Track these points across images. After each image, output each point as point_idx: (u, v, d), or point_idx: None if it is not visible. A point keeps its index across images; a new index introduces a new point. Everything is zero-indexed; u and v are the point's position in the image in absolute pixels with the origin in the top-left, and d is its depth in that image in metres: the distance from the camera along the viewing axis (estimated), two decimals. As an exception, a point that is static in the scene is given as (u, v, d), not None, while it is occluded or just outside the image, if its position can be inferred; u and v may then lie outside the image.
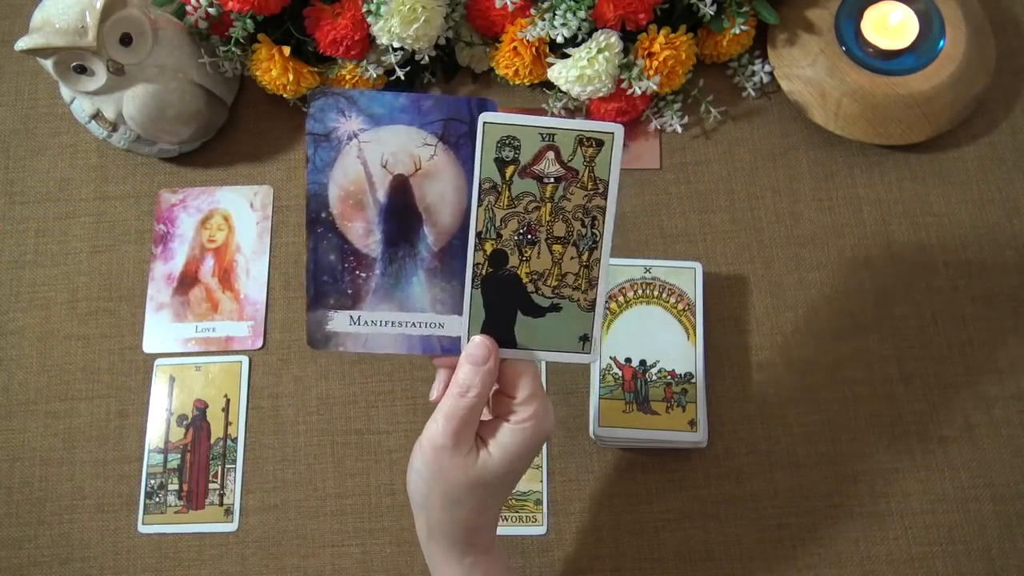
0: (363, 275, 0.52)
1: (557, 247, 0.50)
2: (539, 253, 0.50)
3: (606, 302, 0.50)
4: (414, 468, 0.51)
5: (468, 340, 0.51)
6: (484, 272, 0.50)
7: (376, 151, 0.50)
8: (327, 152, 0.51)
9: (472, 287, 0.50)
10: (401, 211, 0.51)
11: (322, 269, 0.52)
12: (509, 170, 0.49)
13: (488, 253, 0.50)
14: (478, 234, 0.50)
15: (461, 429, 0.49)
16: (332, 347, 0.52)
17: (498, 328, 0.51)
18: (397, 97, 0.50)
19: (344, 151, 0.50)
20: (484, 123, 0.48)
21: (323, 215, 0.51)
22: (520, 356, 0.50)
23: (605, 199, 0.49)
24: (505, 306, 0.50)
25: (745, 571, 0.65)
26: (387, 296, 0.52)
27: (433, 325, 0.52)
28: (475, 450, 0.49)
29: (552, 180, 0.49)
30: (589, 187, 0.49)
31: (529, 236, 0.50)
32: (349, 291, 0.52)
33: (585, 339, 0.50)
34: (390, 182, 0.51)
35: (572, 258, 0.50)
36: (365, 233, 0.51)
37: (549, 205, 0.49)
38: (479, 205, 0.49)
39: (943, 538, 0.66)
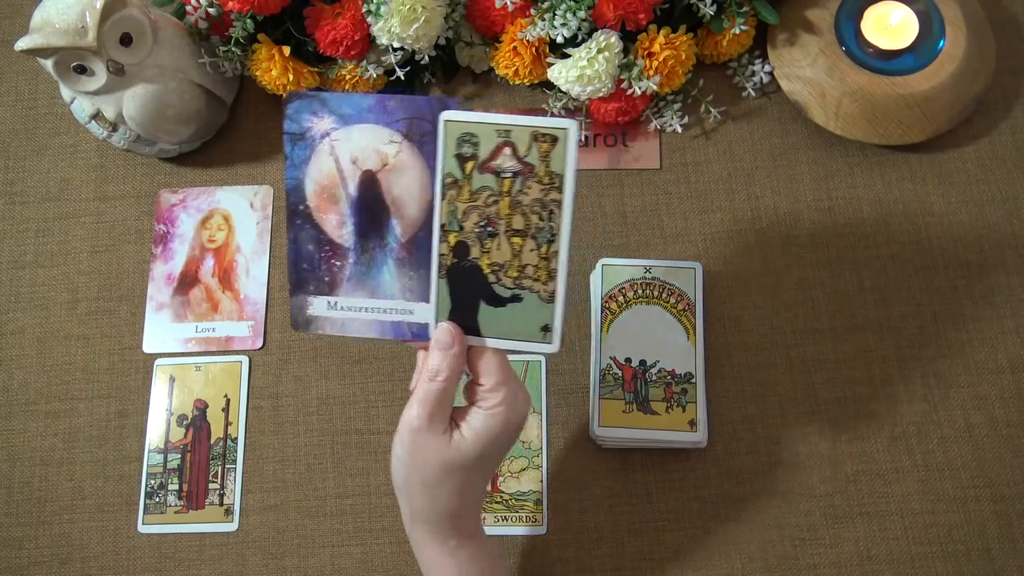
0: (338, 263, 0.55)
1: (516, 239, 0.51)
2: (499, 245, 0.52)
3: (566, 293, 0.52)
4: (395, 454, 0.53)
5: (436, 327, 0.53)
6: (449, 263, 0.52)
7: (347, 148, 0.53)
8: (302, 150, 0.54)
9: (438, 277, 0.53)
10: (370, 204, 0.54)
11: (301, 257, 0.55)
12: (469, 165, 0.51)
13: (452, 244, 0.52)
14: (441, 226, 0.52)
15: (435, 411, 0.51)
16: (313, 330, 0.56)
17: (463, 316, 0.53)
18: (364, 98, 0.52)
19: (318, 149, 0.53)
20: (444, 121, 0.50)
21: (301, 208, 0.54)
22: (485, 343, 0.53)
23: (561, 193, 0.50)
24: (469, 295, 0.53)
25: (745, 571, 0.65)
26: (360, 283, 0.55)
27: (403, 312, 0.54)
28: (449, 432, 0.52)
29: (509, 175, 0.50)
30: (545, 181, 0.50)
31: (489, 228, 0.51)
32: (326, 278, 0.55)
33: (547, 329, 0.52)
34: (360, 177, 0.53)
35: (531, 250, 0.51)
36: (339, 224, 0.54)
37: (507, 199, 0.51)
38: (442, 199, 0.52)
39: (943, 538, 0.66)
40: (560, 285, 0.51)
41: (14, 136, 0.79)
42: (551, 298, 0.51)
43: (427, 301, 0.54)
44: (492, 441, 0.52)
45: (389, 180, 0.53)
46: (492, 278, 0.52)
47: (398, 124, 0.52)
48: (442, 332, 0.52)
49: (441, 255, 0.52)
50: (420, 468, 0.52)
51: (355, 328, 0.56)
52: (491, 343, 0.53)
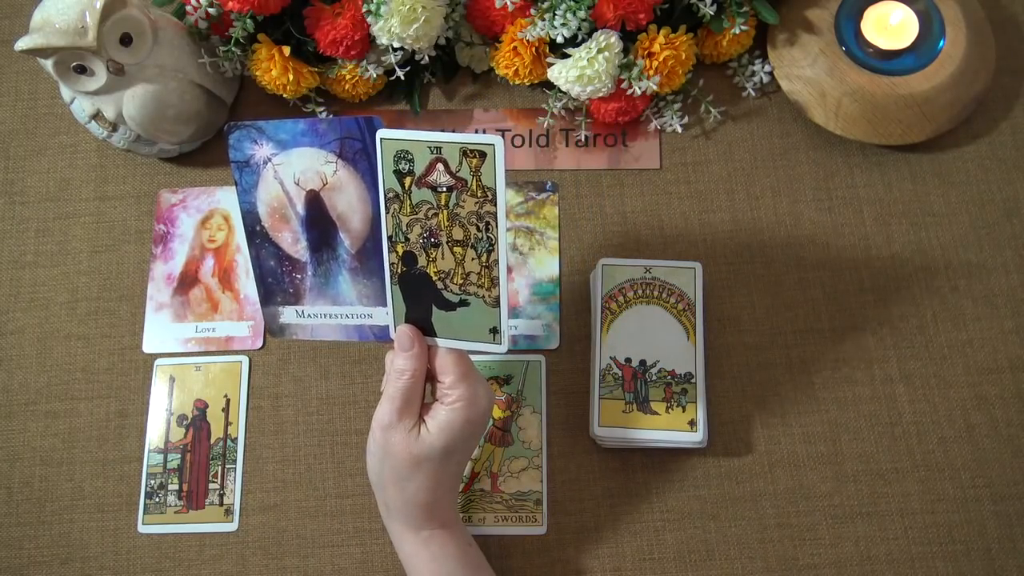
0: (299, 276, 0.59)
1: (458, 249, 0.54)
2: (443, 255, 0.54)
3: (507, 297, 0.55)
4: (369, 451, 0.57)
5: (395, 330, 0.57)
6: (399, 271, 0.55)
7: (289, 171, 0.56)
8: (250, 176, 0.57)
9: (391, 284, 0.56)
10: (318, 221, 0.57)
11: (266, 273, 0.59)
12: (407, 181, 0.53)
13: (400, 254, 0.55)
14: (389, 237, 0.55)
15: (403, 408, 0.55)
16: (288, 335, 0.61)
17: (419, 319, 0.56)
18: (297, 123, 0.55)
19: (263, 174, 0.57)
20: (381, 139, 0.52)
21: (257, 228, 0.58)
22: (441, 344, 0.56)
23: (495, 205, 0.52)
24: (421, 300, 0.55)
25: (745, 571, 0.65)
26: (321, 293, 0.58)
27: (363, 316, 0.59)
28: (417, 428, 0.55)
29: (444, 189, 0.52)
30: (479, 195, 0.52)
31: (432, 239, 0.54)
32: (290, 290, 0.59)
33: (495, 331, 0.55)
34: (304, 197, 0.57)
35: (473, 259, 0.53)
36: (293, 241, 0.58)
37: (445, 212, 0.53)
38: (386, 212, 0.54)
39: (943, 538, 0.66)
40: (502, 291, 0.53)
41: (14, 136, 0.79)
42: (496, 303, 0.54)
43: (383, 306, 0.57)
44: (455, 434, 0.55)
45: (332, 198, 0.56)
46: (440, 285, 0.55)
47: (331, 145, 0.55)
48: (401, 335, 0.56)
49: (391, 264, 0.55)
50: (391, 463, 0.56)
51: (323, 332, 0.60)
52: (447, 344, 0.56)
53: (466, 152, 0.51)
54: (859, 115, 0.72)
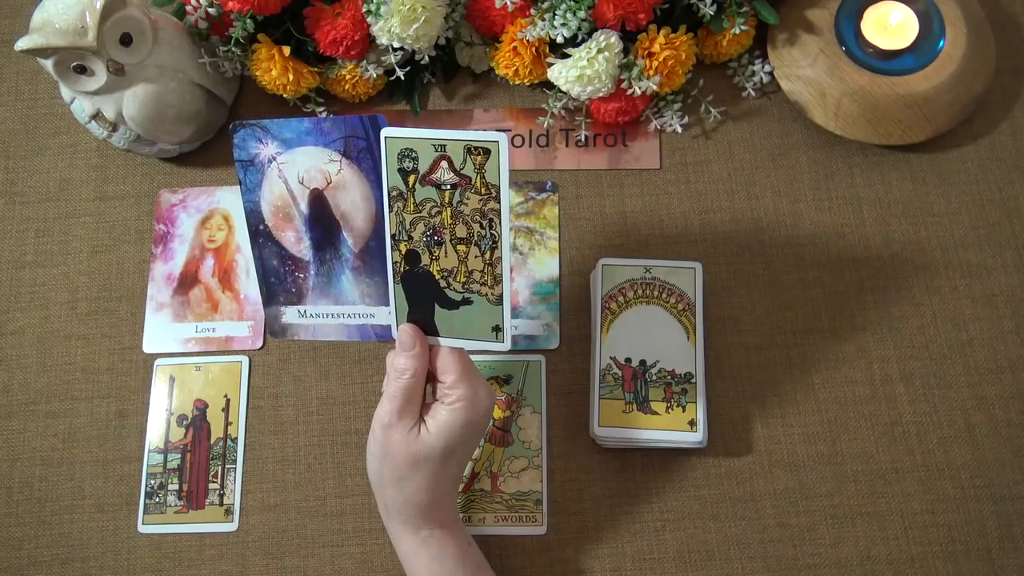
0: (301, 276, 0.59)
1: (461, 247, 0.54)
2: (446, 253, 0.54)
3: (511, 294, 0.55)
4: (369, 451, 0.57)
5: (397, 329, 0.57)
6: (402, 269, 0.55)
7: (293, 170, 0.56)
8: (254, 175, 0.57)
9: (394, 283, 0.56)
10: (322, 220, 0.57)
11: (268, 272, 0.59)
12: (411, 179, 0.53)
13: (403, 253, 0.55)
14: (392, 236, 0.55)
15: (403, 407, 0.55)
16: (289, 336, 0.61)
17: (421, 318, 0.56)
18: (301, 122, 0.55)
19: (267, 173, 0.57)
20: (385, 137, 0.52)
21: (261, 227, 0.58)
22: (443, 343, 0.56)
23: (499, 202, 0.52)
24: (424, 299, 0.55)
25: (745, 571, 0.65)
26: (324, 293, 0.59)
27: (365, 315, 0.59)
28: (417, 427, 0.55)
29: (448, 187, 0.52)
30: (483, 192, 0.52)
31: (435, 238, 0.54)
32: (293, 290, 0.59)
33: (497, 329, 0.55)
34: (308, 196, 0.57)
35: (476, 257, 0.54)
36: (296, 240, 0.58)
37: (449, 210, 0.53)
38: (390, 211, 0.54)
39: (943, 538, 0.66)
40: (506, 289, 0.54)
41: (14, 136, 0.79)
42: (499, 301, 0.54)
43: (385, 305, 0.57)
44: (455, 434, 0.55)
45: (336, 196, 0.56)
46: (443, 283, 0.55)
47: (336, 144, 0.55)
48: (403, 334, 0.56)
49: (394, 262, 0.55)
50: (391, 462, 0.56)
51: (325, 333, 0.60)
52: (449, 342, 0.56)
53: (470, 149, 0.51)
54: (859, 115, 0.72)
